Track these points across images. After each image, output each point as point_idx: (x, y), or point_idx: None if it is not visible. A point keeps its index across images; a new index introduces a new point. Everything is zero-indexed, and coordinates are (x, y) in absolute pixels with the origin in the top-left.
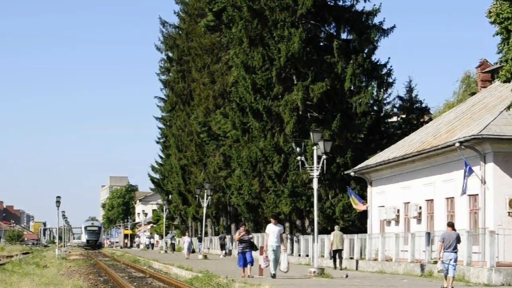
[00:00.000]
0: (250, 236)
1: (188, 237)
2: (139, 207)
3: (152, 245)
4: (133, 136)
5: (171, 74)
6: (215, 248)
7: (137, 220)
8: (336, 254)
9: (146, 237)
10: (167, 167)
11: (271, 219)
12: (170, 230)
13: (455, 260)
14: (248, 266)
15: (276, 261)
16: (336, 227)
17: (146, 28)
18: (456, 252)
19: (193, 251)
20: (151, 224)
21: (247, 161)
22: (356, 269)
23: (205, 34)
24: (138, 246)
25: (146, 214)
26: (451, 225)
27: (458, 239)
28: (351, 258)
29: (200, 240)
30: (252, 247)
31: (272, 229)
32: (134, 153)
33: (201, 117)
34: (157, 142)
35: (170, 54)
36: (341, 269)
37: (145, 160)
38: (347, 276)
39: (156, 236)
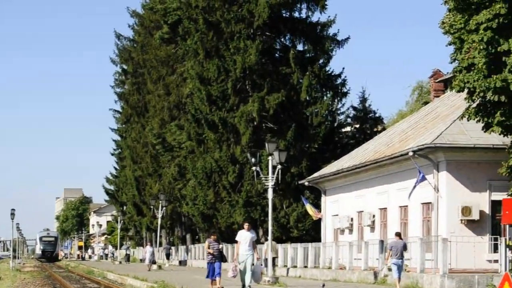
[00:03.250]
0: (220, 245)
1: (150, 247)
2: (93, 219)
3: (107, 255)
4: (88, 148)
5: (126, 87)
6: (173, 259)
7: (91, 231)
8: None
9: (100, 248)
10: (122, 179)
11: (244, 225)
12: (125, 241)
13: (401, 266)
14: (217, 278)
15: (249, 272)
16: (269, 237)
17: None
18: (402, 259)
19: (154, 262)
20: (106, 236)
21: (202, 172)
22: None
23: (161, 46)
24: (90, 257)
25: (100, 226)
26: (398, 234)
27: (404, 247)
28: (305, 267)
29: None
30: (222, 257)
31: (244, 236)
32: (89, 165)
33: (156, 128)
34: (112, 154)
35: (125, 67)
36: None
37: (100, 172)
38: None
39: (111, 247)
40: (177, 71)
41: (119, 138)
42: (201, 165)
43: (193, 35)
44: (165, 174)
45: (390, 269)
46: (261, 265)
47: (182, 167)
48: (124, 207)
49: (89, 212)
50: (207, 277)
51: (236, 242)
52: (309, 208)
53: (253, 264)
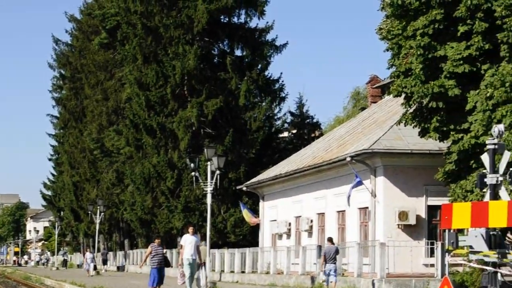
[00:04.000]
0: (164, 250)
1: (90, 253)
2: (30, 224)
3: (48, 261)
4: (25, 153)
5: (63, 92)
6: (111, 265)
7: (28, 237)
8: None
9: (37, 254)
10: (60, 184)
11: (189, 229)
12: (62, 246)
13: (335, 270)
14: (160, 285)
15: (193, 277)
16: (202, 242)
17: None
18: (335, 263)
19: (95, 268)
20: (43, 241)
21: (140, 177)
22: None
23: (99, 51)
24: (26, 263)
25: (37, 231)
26: (330, 239)
27: (337, 252)
28: (243, 272)
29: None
30: (166, 263)
31: (189, 240)
32: (25, 170)
33: (94, 133)
34: (50, 159)
35: (63, 72)
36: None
37: (37, 178)
38: None
39: (48, 253)
40: (115, 76)
41: (56, 144)
42: (140, 170)
43: (132, 40)
44: (103, 179)
45: (326, 274)
46: (205, 270)
47: (121, 173)
48: (62, 213)
49: (25, 217)
50: (151, 284)
51: (179, 246)
52: (246, 214)
53: (199, 269)
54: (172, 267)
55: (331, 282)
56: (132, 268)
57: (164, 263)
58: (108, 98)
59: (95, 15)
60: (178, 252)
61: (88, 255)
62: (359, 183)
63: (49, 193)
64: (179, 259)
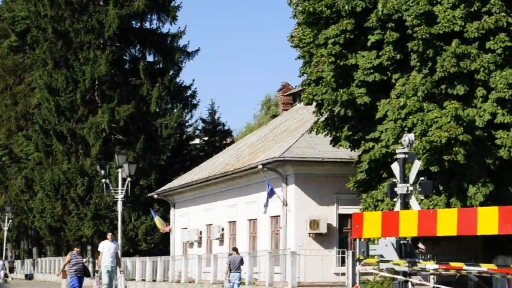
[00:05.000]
0: (84, 259)
1: (1, 261)
2: None
3: None
4: None
5: None
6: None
7: None
8: None
9: None
10: None
11: (108, 235)
12: None
13: (239, 279)
14: None
15: (111, 285)
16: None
17: None
18: (240, 272)
19: (6, 276)
20: None
21: (50, 184)
22: None
23: (8, 55)
24: None
25: None
26: (235, 249)
27: (241, 261)
28: (154, 280)
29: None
30: (86, 272)
31: (108, 246)
32: None
33: (2, 139)
34: None
35: None
36: None
37: None
38: None
39: None
40: (25, 80)
41: None
42: (49, 177)
43: (42, 44)
44: (12, 186)
45: (231, 283)
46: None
47: (30, 179)
48: None
49: None
50: None
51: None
52: (158, 221)
53: (112, 276)
54: (90, 276)
55: None
56: (41, 277)
57: (84, 272)
58: (17, 103)
59: (5, 17)
60: (94, 260)
61: None
62: (272, 192)
63: None
64: (97, 266)
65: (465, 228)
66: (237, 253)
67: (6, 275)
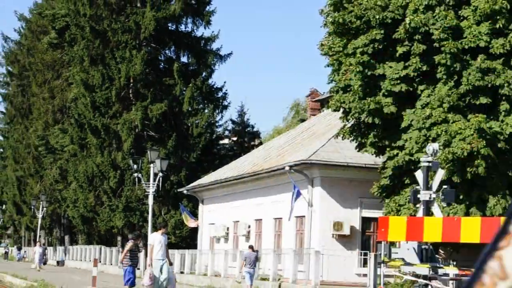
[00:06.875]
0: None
1: (40, 247)
2: None
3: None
4: None
5: (10, 88)
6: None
7: None
8: None
9: None
10: (3, 178)
11: (161, 228)
12: (3, 239)
13: (253, 274)
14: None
15: (169, 277)
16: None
17: None
18: (254, 268)
19: (45, 263)
20: None
21: (83, 175)
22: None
23: (47, 50)
24: None
25: None
26: (251, 247)
27: (256, 258)
28: (182, 273)
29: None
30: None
31: (159, 239)
32: None
33: (40, 130)
34: None
35: (11, 69)
36: None
37: None
38: None
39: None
40: (62, 75)
41: (1, 138)
42: (83, 168)
43: (80, 42)
44: (47, 175)
45: (243, 277)
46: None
47: (64, 170)
48: (4, 206)
49: None
50: (127, 283)
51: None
52: (185, 217)
53: (164, 270)
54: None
55: (247, 285)
56: (72, 263)
57: (137, 263)
58: (55, 96)
59: (45, 15)
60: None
61: (37, 248)
62: (298, 194)
63: None
64: (148, 259)
65: (488, 237)
66: (253, 250)
67: (45, 262)
